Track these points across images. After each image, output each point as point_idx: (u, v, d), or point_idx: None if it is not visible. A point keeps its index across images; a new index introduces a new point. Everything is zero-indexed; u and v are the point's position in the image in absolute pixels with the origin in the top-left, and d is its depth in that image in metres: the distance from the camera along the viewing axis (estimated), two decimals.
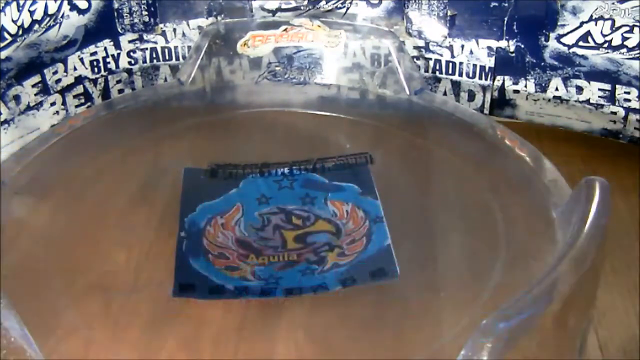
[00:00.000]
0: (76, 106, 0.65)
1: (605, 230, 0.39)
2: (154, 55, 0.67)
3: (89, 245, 0.50)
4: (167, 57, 0.67)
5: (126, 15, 0.65)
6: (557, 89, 0.63)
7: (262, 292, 0.46)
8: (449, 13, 0.64)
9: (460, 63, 0.65)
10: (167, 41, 0.67)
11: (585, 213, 0.40)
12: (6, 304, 0.35)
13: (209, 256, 0.49)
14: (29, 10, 0.58)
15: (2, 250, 0.46)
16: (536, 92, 0.64)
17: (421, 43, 0.66)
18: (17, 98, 0.60)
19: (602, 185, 0.42)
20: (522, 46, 0.63)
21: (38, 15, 0.59)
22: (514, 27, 0.62)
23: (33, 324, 0.36)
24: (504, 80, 0.65)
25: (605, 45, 0.60)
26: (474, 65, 0.65)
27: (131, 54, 0.67)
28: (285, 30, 0.65)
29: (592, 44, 0.60)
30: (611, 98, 0.62)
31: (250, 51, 0.65)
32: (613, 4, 0.58)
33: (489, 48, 0.64)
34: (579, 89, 0.63)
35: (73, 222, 0.52)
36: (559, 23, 0.61)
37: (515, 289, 0.37)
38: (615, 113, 0.62)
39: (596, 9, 0.59)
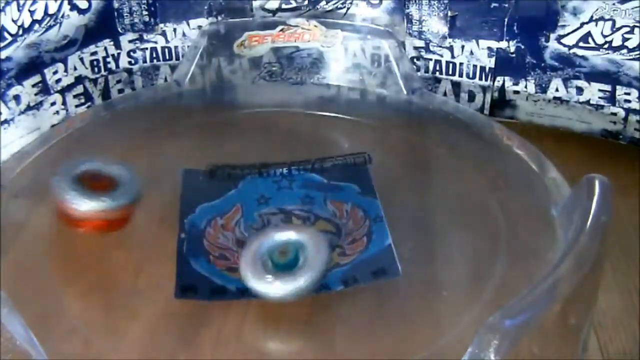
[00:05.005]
0: (76, 106, 0.65)
1: (606, 227, 0.39)
2: (154, 55, 0.67)
3: (89, 245, 0.50)
4: (167, 57, 0.68)
5: (126, 15, 0.65)
6: (557, 90, 0.63)
7: None
8: (449, 13, 0.64)
9: (461, 64, 0.66)
10: (167, 41, 0.67)
11: (587, 210, 0.40)
12: (10, 307, 0.35)
13: (209, 257, 0.49)
14: (29, 10, 0.58)
15: (2, 251, 0.46)
16: (536, 92, 0.64)
17: (421, 43, 0.66)
18: (17, 98, 0.60)
19: (603, 183, 0.42)
20: (523, 47, 0.63)
21: (38, 15, 0.59)
22: (515, 27, 0.63)
23: (33, 325, 0.36)
24: (504, 81, 0.65)
25: (606, 46, 0.60)
26: (474, 66, 0.65)
27: (131, 53, 0.67)
28: (281, 30, 0.65)
29: (592, 44, 0.60)
30: (611, 99, 0.62)
31: (247, 51, 0.65)
32: (614, 4, 0.58)
33: (489, 49, 0.64)
34: (579, 90, 0.63)
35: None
36: (559, 24, 0.61)
37: (517, 287, 0.37)
38: (615, 114, 0.62)
39: (597, 10, 0.59)
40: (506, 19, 0.62)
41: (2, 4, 0.56)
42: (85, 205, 0.47)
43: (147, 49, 0.67)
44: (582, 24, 0.60)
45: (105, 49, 0.65)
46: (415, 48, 0.66)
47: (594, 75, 0.62)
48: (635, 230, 0.55)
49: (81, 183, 0.48)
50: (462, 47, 0.65)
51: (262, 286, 0.43)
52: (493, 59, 0.64)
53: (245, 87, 0.66)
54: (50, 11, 0.60)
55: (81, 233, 0.50)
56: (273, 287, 0.42)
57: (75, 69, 0.64)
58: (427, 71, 0.67)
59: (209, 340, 0.43)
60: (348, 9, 0.67)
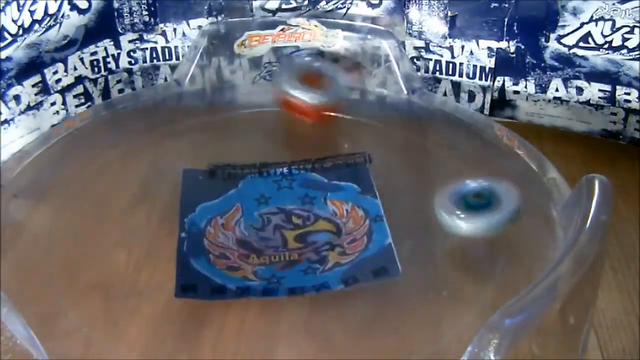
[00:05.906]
0: (76, 106, 0.65)
1: (606, 227, 0.40)
2: (154, 55, 0.67)
3: (89, 245, 0.50)
4: (167, 57, 0.68)
5: (126, 15, 0.65)
6: (557, 90, 0.63)
7: (264, 292, 0.46)
8: (449, 13, 0.64)
9: (461, 64, 0.66)
10: (167, 41, 0.67)
11: (587, 210, 0.40)
12: (10, 307, 0.35)
13: (209, 256, 0.49)
14: (29, 10, 0.58)
15: (2, 251, 0.46)
16: (536, 92, 0.64)
17: (421, 43, 0.66)
18: (17, 98, 0.60)
19: (603, 183, 0.42)
20: (523, 47, 0.63)
21: (38, 15, 0.59)
22: (515, 27, 0.63)
23: (33, 325, 0.36)
24: (504, 81, 0.65)
25: (606, 46, 0.60)
26: (474, 66, 0.65)
27: (131, 53, 0.67)
28: (282, 30, 0.65)
29: (592, 44, 0.61)
30: (611, 99, 0.62)
31: (247, 51, 0.65)
32: (613, 4, 0.58)
33: (489, 49, 0.64)
34: (579, 90, 0.63)
35: (73, 223, 0.52)
36: (559, 24, 0.61)
37: (516, 287, 0.37)
38: (615, 114, 0.62)
39: (597, 10, 0.59)
40: (506, 19, 0.62)
41: (2, 4, 0.56)
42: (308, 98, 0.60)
43: (147, 49, 0.67)
44: (582, 24, 0.60)
45: (105, 49, 0.65)
46: (415, 48, 0.66)
47: (594, 75, 0.62)
48: (635, 230, 0.55)
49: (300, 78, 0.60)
50: (462, 47, 0.65)
51: (454, 221, 0.47)
52: (493, 59, 0.64)
53: (245, 87, 0.66)
54: (50, 11, 0.60)
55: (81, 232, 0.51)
56: (465, 222, 0.47)
57: (75, 69, 0.64)
58: (427, 71, 0.67)
59: (209, 340, 0.44)
60: (348, 9, 0.67)
